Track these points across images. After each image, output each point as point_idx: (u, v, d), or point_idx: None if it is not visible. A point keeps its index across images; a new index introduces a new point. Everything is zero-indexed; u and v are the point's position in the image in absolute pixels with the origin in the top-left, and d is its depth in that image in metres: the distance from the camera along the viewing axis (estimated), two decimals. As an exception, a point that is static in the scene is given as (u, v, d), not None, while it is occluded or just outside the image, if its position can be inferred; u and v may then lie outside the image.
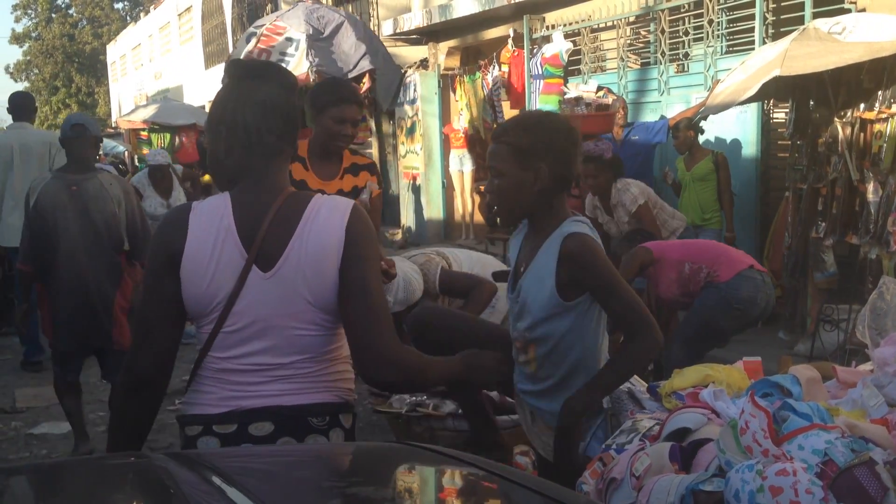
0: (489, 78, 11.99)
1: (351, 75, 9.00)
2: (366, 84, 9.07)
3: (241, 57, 8.63)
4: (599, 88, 8.13)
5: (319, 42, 9.07)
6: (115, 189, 5.01)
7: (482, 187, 13.18)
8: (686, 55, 8.46)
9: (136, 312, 2.36)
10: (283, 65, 8.49)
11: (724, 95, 6.12)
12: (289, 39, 8.99)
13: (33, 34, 50.35)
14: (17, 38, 51.04)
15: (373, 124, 11.85)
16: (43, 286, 5.02)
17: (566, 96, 7.93)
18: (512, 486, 1.84)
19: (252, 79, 2.26)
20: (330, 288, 2.18)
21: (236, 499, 1.56)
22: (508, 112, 12.28)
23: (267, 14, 20.05)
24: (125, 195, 5.06)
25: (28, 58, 51.22)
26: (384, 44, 14.56)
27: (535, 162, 2.66)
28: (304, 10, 9.53)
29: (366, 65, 9.07)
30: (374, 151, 14.38)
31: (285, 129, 2.24)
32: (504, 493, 1.84)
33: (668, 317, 5.46)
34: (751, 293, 4.88)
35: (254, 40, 9.19)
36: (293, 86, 2.30)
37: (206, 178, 11.63)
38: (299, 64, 8.84)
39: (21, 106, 6.88)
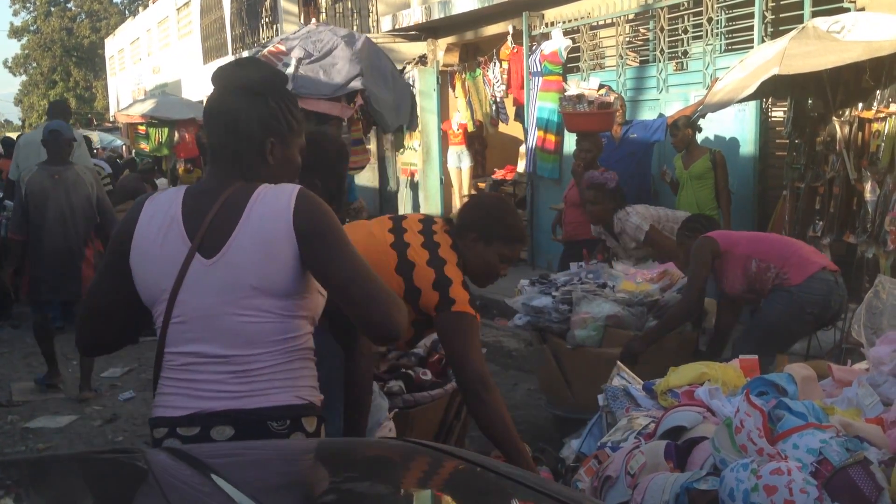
0: (490, 75, 11.98)
1: (336, 94, 9.01)
2: (357, 102, 9.08)
3: None
4: (601, 86, 8.11)
5: (309, 64, 9.09)
6: (87, 177, 6.58)
7: (480, 183, 13.28)
8: (685, 53, 8.45)
9: (86, 292, 2.43)
10: None
11: (722, 94, 6.11)
12: (284, 63, 9.07)
13: (32, 28, 50.27)
14: (15, 32, 50.96)
15: (374, 144, 11.86)
16: (25, 254, 6.48)
17: (567, 93, 7.90)
18: (512, 483, 1.84)
19: (218, 90, 2.29)
20: (281, 272, 2.13)
21: (234, 496, 1.56)
22: (511, 109, 12.30)
23: (265, 10, 20.04)
24: (95, 182, 6.64)
25: (26, 51, 51.15)
26: (382, 40, 14.59)
27: None
28: (304, 33, 9.62)
29: (357, 85, 9.05)
30: (372, 147, 14.35)
31: (248, 145, 2.23)
32: (504, 489, 1.84)
33: (733, 311, 5.03)
34: (824, 297, 4.52)
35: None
36: (265, 92, 2.26)
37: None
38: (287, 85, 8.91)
39: (57, 110, 8.03)
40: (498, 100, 12.08)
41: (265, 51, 9.48)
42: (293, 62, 9.07)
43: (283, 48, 9.35)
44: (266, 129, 2.24)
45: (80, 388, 6.39)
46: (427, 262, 3.01)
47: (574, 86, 8.05)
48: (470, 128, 12.79)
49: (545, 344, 5.22)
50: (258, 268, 2.13)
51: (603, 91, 7.89)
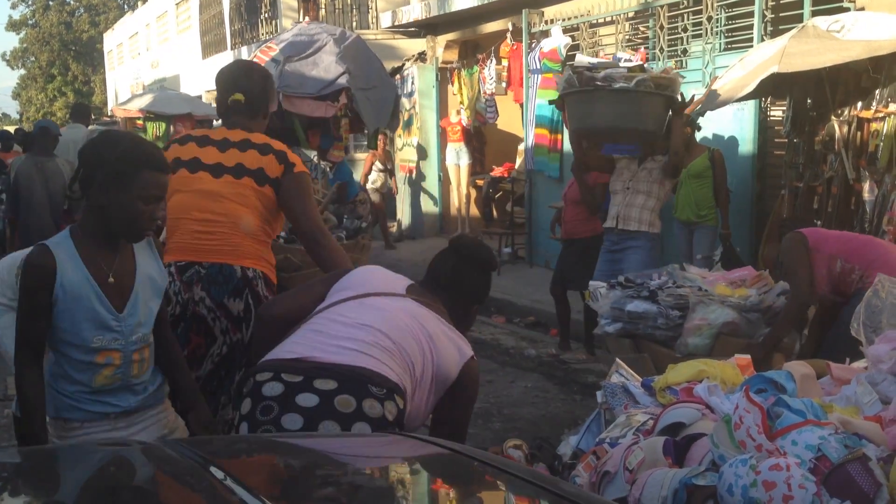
0: (486, 73, 11.97)
1: (322, 92, 9.03)
2: (342, 101, 9.09)
3: None
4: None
5: (296, 62, 9.11)
6: (66, 168, 7.58)
7: (479, 181, 13.28)
8: (684, 51, 8.45)
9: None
10: None
11: (721, 92, 6.12)
12: (274, 61, 9.09)
13: (30, 21, 50.10)
14: (13, 26, 50.80)
15: (347, 142, 11.96)
16: (16, 230, 7.69)
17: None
18: (508, 476, 1.84)
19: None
20: None
21: (233, 488, 1.56)
22: (504, 107, 12.29)
23: (265, 6, 20.01)
24: (72, 172, 7.13)
25: (25, 45, 50.99)
26: (382, 37, 14.59)
27: None
28: (296, 31, 9.63)
29: (342, 83, 9.08)
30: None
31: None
32: (500, 483, 1.84)
33: (830, 313, 4.68)
34: None
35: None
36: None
37: None
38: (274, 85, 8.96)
39: (78, 111, 9.61)
40: (487, 98, 12.10)
41: (258, 51, 9.51)
42: (282, 60, 9.08)
43: (274, 46, 9.37)
44: None
45: None
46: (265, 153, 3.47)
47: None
48: (463, 122, 12.83)
49: (643, 353, 4.71)
50: None
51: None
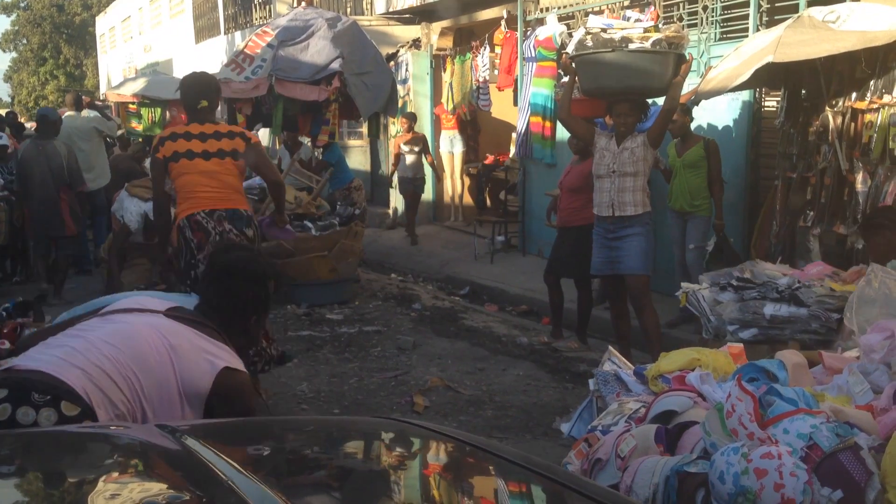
0: (479, 60, 11.94)
1: (315, 77, 9.05)
2: (334, 84, 9.10)
3: (229, 59, 9.48)
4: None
5: (290, 47, 9.15)
6: (62, 149, 9.15)
7: (472, 169, 13.26)
8: (679, 41, 8.43)
9: None
10: (258, 70, 8.88)
11: (716, 81, 6.10)
12: (269, 45, 9.13)
13: (22, 3, 49.77)
14: (5, 8, 50.44)
15: (365, 127, 11.85)
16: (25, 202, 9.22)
17: (563, 80, 7.86)
18: (501, 461, 1.84)
19: None
20: None
21: (223, 469, 1.55)
22: (495, 96, 12.26)
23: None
24: (68, 153, 9.23)
25: (16, 27, 50.67)
26: (377, 23, 14.52)
27: None
28: (292, 16, 9.65)
29: (335, 67, 9.10)
30: (363, 131, 14.30)
31: None
32: (496, 467, 1.85)
33: None
34: None
35: (242, 44, 9.61)
36: None
37: None
38: (266, 69, 9.04)
39: (75, 101, 11.17)
40: (480, 86, 12.07)
41: (253, 36, 9.51)
42: (276, 45, 9.10)
43: (269, 30, 9.39)
44: None
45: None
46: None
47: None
48: (446, 108, 12.83)
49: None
50: None
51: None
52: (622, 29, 6.05)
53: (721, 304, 4.55)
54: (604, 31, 6.08)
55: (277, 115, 9.24)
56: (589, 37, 6.11)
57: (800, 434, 2.44)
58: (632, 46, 5.93)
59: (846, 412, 2.61)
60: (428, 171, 12.73)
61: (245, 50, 9.28)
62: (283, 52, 9.12)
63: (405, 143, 12.31)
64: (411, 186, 12.45)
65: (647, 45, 5.92)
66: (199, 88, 5.41)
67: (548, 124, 10.08)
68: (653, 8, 7.34)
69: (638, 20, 6.26)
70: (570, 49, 6.45)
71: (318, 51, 9.15)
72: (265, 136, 13.49)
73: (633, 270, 6.08)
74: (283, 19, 9.77)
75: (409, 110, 13.48)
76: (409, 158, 12.33)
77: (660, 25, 6.40)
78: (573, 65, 6.23)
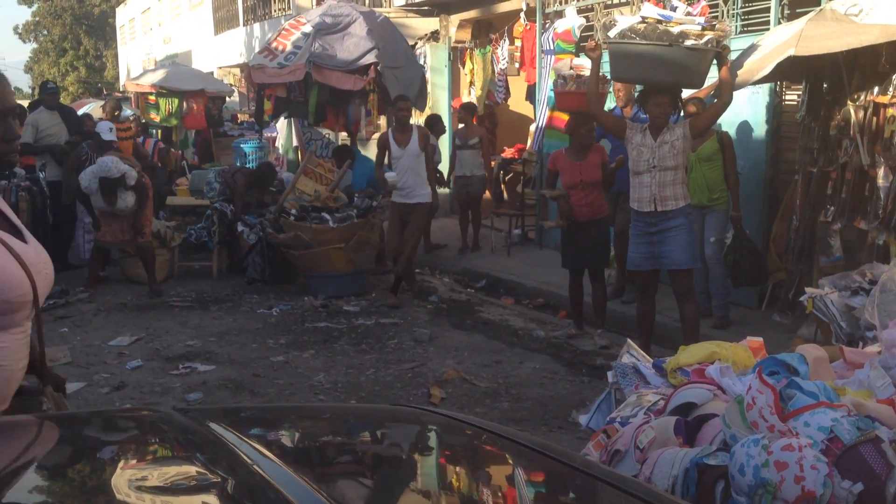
0: (500, 52, 11.92)
1: (352, 67, 9.18)
2: (370, 74, 9.23)
3: (261, 48, 9.70)
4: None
5: (327, 36, 9.32)
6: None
7: (492, 162, 13.21)
8: (700, 34, 8.38)
9: None
10: (292, 56, 9.03)
11: (737, 75, 6.07)
12: (304, 34, 9.32)
13: (43, -5, 50.07)
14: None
15: (384, 120, 11.71)
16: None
17: (569, 72, 7.81)
18: (521, 447, 1.85)
19: None
20: None
21: (248, 452, 1.57)
22: (516, 88, 12.23)
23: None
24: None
25: (37, 19, 50.95)
26: (395, 15, 14.51)
27: None
28: (325, 7, 9.85)
29: (370, 59, 9.22)
30: (382, 123, 14.31)
31: None
32: (517, 455, 1.85)
33: None
34: None
35: (273, 34, 9.88)
36: None
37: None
38: (303, 56, 9.16)
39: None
40: (498, 78, 12.05)
41: (287, 24, 9.68)
42: (312, 33, 9.26)
43: (303, 20, 9.56)
44: None
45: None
46: None
47: (566, 66, 8.00)
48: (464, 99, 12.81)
49: None
50: None
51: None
52: (680, 24, 5.82)
53: (856, 310, 4.32)
54: (660, 22, 5.87)
55: (312, 101, 9.40)
56: (643, 26, 5.88)
57: (820, 427, 2.43)
58: (688, 43, 5.75)
59: (867, 406, 2.60)
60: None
61: (279, 37, 9.49)
62: (321, 40, 9.29)
63: (459, 139, 10.89)
64: (465, 189, 10.80)
65: (702, 42, 5.76)
66: None
67: (564, 117, 10.05)
68: (702, 1, 7.18)
69: (688, 13, 5.99)
70: (612, 33, 6.15)
71: (354, 42, 9.31)
72: (283, 127, 13.56)
73: (681, 265, 6.02)
74: (315, 12, 9.95)
75: (427, 103, 13.46)
76: (467, 155, 10.72)
77: (714, 23, 6.22)
78: (603, 50, 6.14)
